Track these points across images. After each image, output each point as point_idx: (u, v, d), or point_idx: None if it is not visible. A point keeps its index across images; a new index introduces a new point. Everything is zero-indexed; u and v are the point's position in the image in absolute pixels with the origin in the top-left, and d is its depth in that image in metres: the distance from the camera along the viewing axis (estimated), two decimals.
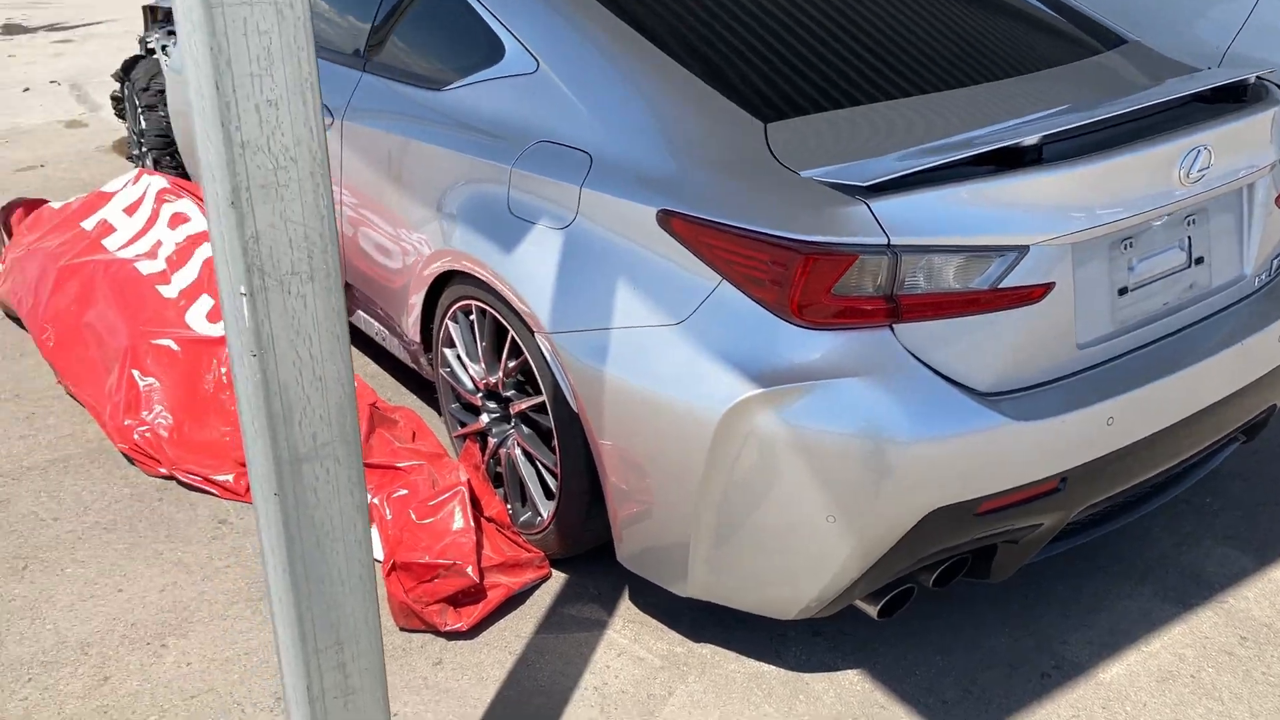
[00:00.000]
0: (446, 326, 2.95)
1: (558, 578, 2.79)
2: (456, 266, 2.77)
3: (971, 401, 2.11)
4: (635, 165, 2.37)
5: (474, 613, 2.61)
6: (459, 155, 2.80)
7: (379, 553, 2.79)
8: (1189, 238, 2.44)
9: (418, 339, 3.13)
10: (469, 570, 2.59)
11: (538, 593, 2.73)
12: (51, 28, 11.52)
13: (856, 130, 2.34)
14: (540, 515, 2.75)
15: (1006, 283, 2.13)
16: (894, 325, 2.10)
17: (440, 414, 3.30)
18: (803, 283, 2.07)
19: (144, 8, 5.55)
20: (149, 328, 3.44)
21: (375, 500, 2.80)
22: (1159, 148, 2.27)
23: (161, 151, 5.02)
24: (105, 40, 10.76)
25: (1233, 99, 2.58)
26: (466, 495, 2.70)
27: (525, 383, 2.77)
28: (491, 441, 2.91)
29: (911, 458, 2.06)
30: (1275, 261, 2.68)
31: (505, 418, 2.90)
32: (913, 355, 2.10)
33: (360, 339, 3.93)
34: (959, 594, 2.69)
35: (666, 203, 2.26)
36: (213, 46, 1.16)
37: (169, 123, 4.96)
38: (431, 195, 2.89)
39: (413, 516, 2.71)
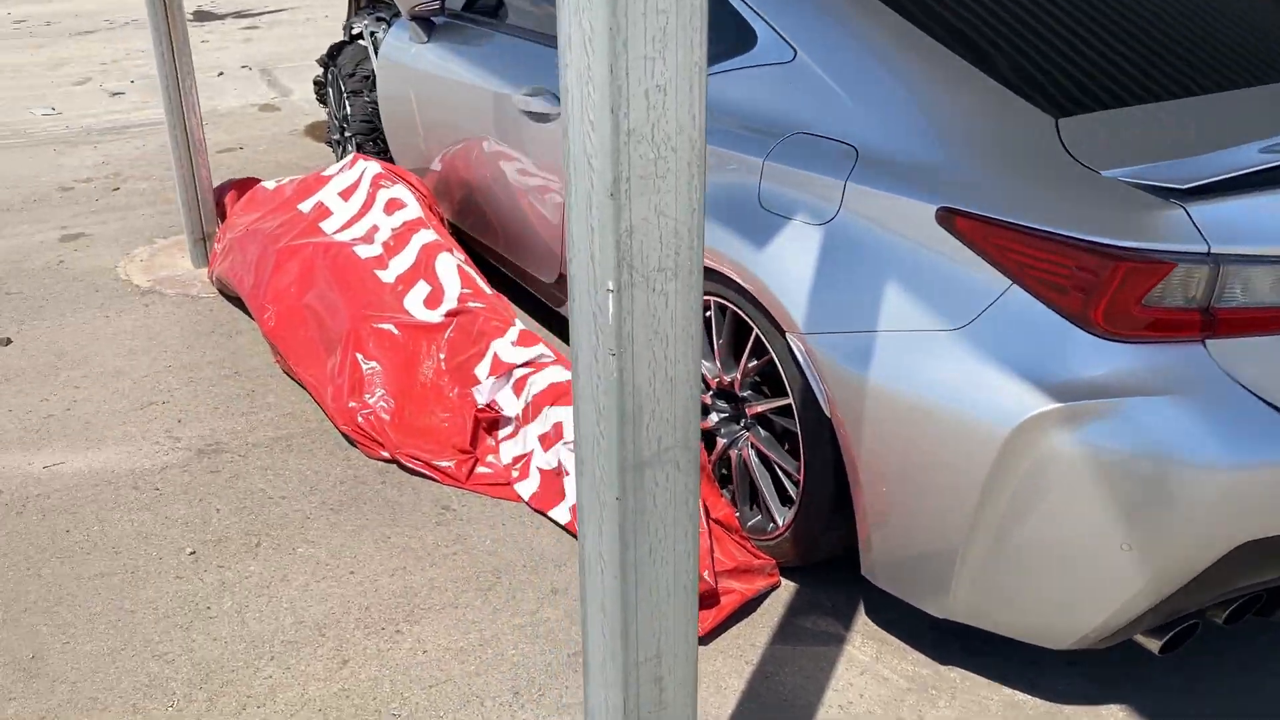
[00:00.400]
0: None
1: (787, 587, 2.69)
2: None
3: None
4: (908, 159, 2.25)
5: (708, 619, 2.53)
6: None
7: None
8: None
9: None
10: (704, 574, 2.51)
11: (768, 602, 2.64)
12: (239, 14, 11.96)
13: (1157, 128, 2.16)
14: (774, 522, 2.65)
15: None
16: (1207, 340, 1.93)
17: None
18: (1113, 291, 1.92)
19: None
20: (370, 311, 3.46)
21: None
22: None
23: (366, 137, 5.10)
24: (290, 27, 11.12)
25: None
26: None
27: (762, 383, 2.68)
28: (720, 442, 2.82)
29: (1225, 486, 1.89)
30: None
31: (736, 418, 2.80)
32: (1227, 374, 1.93)
33: (562, 328, 3.90)
34: (1243, 632, 2.49)
35: (948, 199, 2.13)
36: (612, 26, 1.08)
37: (374, 108, 5.03)
38: None
39: None
